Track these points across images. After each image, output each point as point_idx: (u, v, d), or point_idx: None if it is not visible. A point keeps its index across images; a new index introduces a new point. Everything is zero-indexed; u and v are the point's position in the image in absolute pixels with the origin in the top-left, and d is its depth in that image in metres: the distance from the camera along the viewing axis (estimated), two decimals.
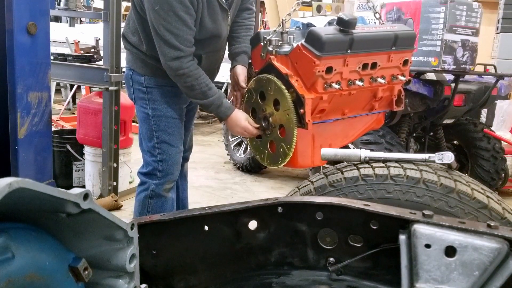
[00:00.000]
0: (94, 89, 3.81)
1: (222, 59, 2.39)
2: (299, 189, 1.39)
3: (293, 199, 1.15)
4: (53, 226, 0.73)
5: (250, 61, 2.32)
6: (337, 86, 2.02)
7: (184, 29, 1.97)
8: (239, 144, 4.90)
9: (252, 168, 4.71)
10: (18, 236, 0.66)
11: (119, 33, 3.29)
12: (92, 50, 4.99)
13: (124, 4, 7.83)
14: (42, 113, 2.52)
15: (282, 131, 2.12)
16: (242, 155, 4.79)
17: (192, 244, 1.16)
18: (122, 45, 2.57)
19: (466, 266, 0.89)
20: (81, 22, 8.23)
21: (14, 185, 0.56)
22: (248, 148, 4.59)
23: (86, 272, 0.75)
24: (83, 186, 3.79)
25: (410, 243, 0.95)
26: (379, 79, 2.16)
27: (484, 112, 4.96)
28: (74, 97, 7.47)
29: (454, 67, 3.24)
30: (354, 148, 2.43)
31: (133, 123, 3.86)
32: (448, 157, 1.23)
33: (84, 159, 3.79)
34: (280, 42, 2.10)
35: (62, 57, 3.77)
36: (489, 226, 0.93)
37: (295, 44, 2.03)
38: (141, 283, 0.86)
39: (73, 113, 6.73)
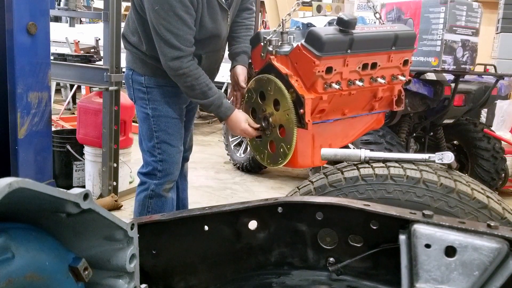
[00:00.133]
0: (94, 89, 3.81)
1: (222, 59, 2.39)
2: (299, 189, 1.39)
3: (293, 199, 1.15)
4: (53, 226, 0.73)
5: (250, 61, 2.32)
6: (337, 86, 2.02)
7: (184, 29, 1.97)
8: (239, 144, 4.90)
9: (252, 168, 4.71)
10: (18, 236, 0.66)
11: (119, 33, 3.29)
12: (92, 50, 4.99)
13: (124, 4, 7.83)
14: (42, 113, 2.52)
15: (282, 131, 2.12)
16: (242, 155, 4.79)
17: (192, 244, 1.16)
18: (122, 45, 2.57)
19: (466, 266, 0.89)
20: (81, 22, 8.23)
21: (14, 185, 0.56)
22: (248, 148, 4.59)
23: (86, 272, 0.75)
24: (83, 186, 3.79)
25: (410, 243, 0.95)
26: (379, 79, 2.16)
27: (484, 112, 4.96)
28: (74, 97, 7.47)
29: (454, 67, 3.24)
30: (354, 148, 2.43)
31: (133, 123, 3.86)
32: (448, 157, 1.23)
33: (84, 159, 3.79)
34: (280, 42, 2.10)
35: (62, 57, 3.78)
36: (489, 226, 0.93)
37: (295, 44, 2.03)
38: (141, 283, 0.86)
39: (73, 113, 6.73)
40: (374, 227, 1.08)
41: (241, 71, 2.26)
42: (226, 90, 5.80)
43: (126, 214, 3.49)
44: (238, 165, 4.82)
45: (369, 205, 1.05)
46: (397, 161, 1.30)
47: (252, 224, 1.17)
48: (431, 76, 3.50)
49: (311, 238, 1.16)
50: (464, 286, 0.88)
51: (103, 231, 0.78)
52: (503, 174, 4.10)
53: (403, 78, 2.25)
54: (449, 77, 3.53)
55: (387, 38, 2.12)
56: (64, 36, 6.08)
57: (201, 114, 7.45)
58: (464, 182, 1.23)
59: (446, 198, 1.19)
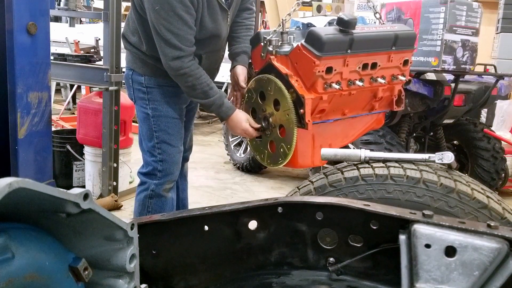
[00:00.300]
0: (94, 89, 3.81)
1: (222, 59, 2.39)
2: (299, 189, 1.39)
3: (293, 199, 1.15)
4: (53, 226, 0.73)
5: (250, 61, 2.32)
6: (337, 86, 2.02)
7: (184, 29, 1.97)
8: (239, 144, 4.90)
9: (252, 168, 4.71)
10: (18, 236, 0.66)
11: (119, 33, 3.29)
12: (92, 50, 4.99)
13: (124, 4, 7.83)
14: (42, 113, 2.52)
15: (282, 131, 2.12)
16: (242, 155, 4.79)
17: (192, 244, 1.16)
18: (122, 45, 2.57)
19: (466, 266, 0.89)
20: (81, 22, 8.23)
21: (14, 185, 0.56)
22: (248, 148, 4.59)
23: (86, 272, 0.75)
24: (83, 186, 3.79)
25: (410, 243, 0.95)
26: (379, 79, 2.16)
27: (484, 112, 4.96)
28: (74, 97, 7.47)
29: (454, 67, 3.24)
30: (354, 148, 2.43)
31: (133, 123, 3.86)
32: (448, 157, 1.23)
33: (84, 159, 3.79)
34: (280, 42, 2.10)
35: (62, 57, 3.77)
36: (489, 226, 0.93)
37: (295, 44, 2.03)
38: (141, 283, 0.86)
39: (73, 113, 6.73)
40: (374, 227, 1.08)
41: (241, 71, 2.26)
42: (226, 90, 5.79)
43: (126, 214, 3.49)
44: (238, 165, 4.82)
45: (369, 205, 1.05)
46: (397, 161, 1.30)
47: (252, 224, 1.17)
48: (431, 76, 3.50)
49: (311, 238, 1.16)
50: (464, 286, 0.88)
51: (103, 231, 0.78)
52: (503, 174, 4.09)
53: (403, 78, 2.25)
54: (449, 77, 3.53)
55: (387, 38, 2.12)
56: (64, 36, 6.08)
57: (201, 114, 7.45)
58: (464, 182, 1.23)
59: (446, 198, 1.19)
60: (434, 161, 1.25)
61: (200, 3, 2.01)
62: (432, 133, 3.99)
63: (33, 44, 2.40)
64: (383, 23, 2.46)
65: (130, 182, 4.04)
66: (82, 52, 5.09)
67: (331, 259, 1.16)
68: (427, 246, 0.93)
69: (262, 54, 2.13)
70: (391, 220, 1.02)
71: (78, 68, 3.64)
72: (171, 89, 2.23)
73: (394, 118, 3.37)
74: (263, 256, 1.19)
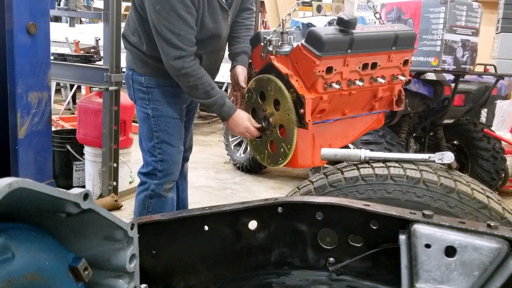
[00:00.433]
0: (94, 89, 3.81)
1: (222, 59, 2.39)
2: (299, 189, 1.39)
3: (293, 199, 1.15)
4: (53, 226, 0.73)
5: (250, 61, 2.32)
6: (337, 86, 2.02)
7: (185, 29, 1.97)
8: (239, 144, 4.90)
9: (252, 168, 4.71)
10: (18, 236, 0.66)
11: (119, 33, 3.29)
12: (92, 50, 4.99)
13: (124, 4, 7.83)
14: (42, 113, 2.52)
15: (282, 131, 2.12)
16: (242, 155, 4.79)
17: (192, 244, 1.16)
18: (122, 45, 2.57)
19: (466, 266, 0.89)
20: (81, 22, 8.23)
21: (14, 185, 0.56)
22: (248, 148, 4.59)
23: (86, 272, 0.75)
24: (83, 186, 3.79)
25: (410, 243, 0.95)
26: (379, 79, 2.16)
27: (484, 112, 4.96)
28: (74, 97, 7.47)
29: (454, 67, 3.24)
30: (354, 148, 2.43)
31: (133, 123, 3.86)
32: (448, 157, 1.23)
33: (84, 159, 3.80)
34: (280, 42, 2.10)
35: (62, 57, 3.77)
36: (489, 226, 0.93)
37: (295, 44, 2.03)
38: (141, 283, 0.86)
39: (73, 113, 6.73)
40: (374, 227, 1.08)
41: (241, 71, 2.26)
42: (226, 90, 5.80)
43: (126, 214, 3.49)
44: (238, 165, 4.82)
45: (369, 205, 1.05)
46: (397, 161, 1.30)
47: (252, 224, 1.17)
48: (431, 76, 3.50)
49: (311, 238, 1.16)
50: (464, 286, 0.88)
51: (103, 231, 0.78)
52: (503, 174, 4.10)
53: (403, 78, 2.25)
54: (449, 77, 3.53)
55: (387, 38, 2.12)
56: (64, 36, 6.08)
57: (201, 114, 7.45)
58: (464, 182, 1.23)
59: (446, 198, 1.19)
60: (434, 161, 1.25)
61: (201, 3, 2.01)
62: (432, 133, 3.99)
63: (33, 44, 2.40)
64: (383, 23, 2.46)
65: (130, 182, 4.04)
66: (82, 52, 5.09)
67: (331, 259, 1.16)
68: (427, 246, 0.93)
69: (262, 54, 2.14)
70: (391, 220, 1.02)
71: (78, 68, 3.64)
72: (171, 89, 2.23)
73: (394, 118, 3.37)
74: (263, 256, 1.19)
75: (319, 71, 1.94)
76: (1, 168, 2.45)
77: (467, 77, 3.70)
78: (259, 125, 2.18)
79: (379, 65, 2.13)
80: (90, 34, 6.19)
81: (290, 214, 1.14)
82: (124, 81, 2.42)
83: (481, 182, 1.51)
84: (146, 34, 2.12)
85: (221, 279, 1.19)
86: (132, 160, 4.03)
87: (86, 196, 0.69)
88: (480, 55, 3.45)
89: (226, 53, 2.38)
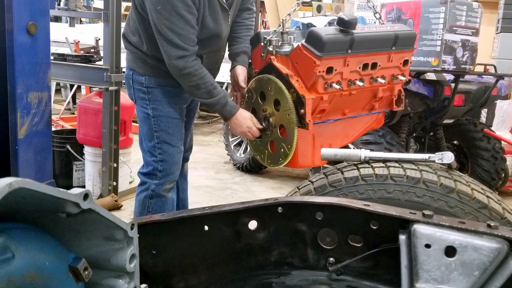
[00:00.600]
0: (94, 89, 3.81)
1: (223, 59, 2.39)
2: (299, 189, 1.39)
3: (293, 199, 1.15)
4: (53, 226, 0.73)
5: (250, 61, 2.32)
6: (337, 86, 2.02)
7: (187, 28, 1.97)
8: (239, 144, 4.90)
9: (252, 168, 4.71)
10: (18, 236, 0.66)
11: (119, 33, 3.29)
12: (92, 50, 4.99)
13: (124, 4, 7.83)
14: (42, 113, 2.52)
15: (282, 131, 2.12)
16: (242, 155, 4.79)
17: (192, 244, 1.16)
18: (122, 45, 2.56)
19: (466, 266, 0.89)
20: (81, 22, 8.23)
21: (14, 185, 0.56)
22: (248, 148, 4.59)
23: (86, 272, 0.75)
24: (83, 186, 3.79)
25: (410, 243, 0.95)
26: (379, 79, 2.16)
27: (484, 112, 4.96)
28: (74, 97, 7.46)
29: (454, 67, 3.24)
30: (354, 148, 2.43)
31: (133, 123, 3.86)
32: (448, 157, 1.23)
33: (84, 159, 3.80)
34: (280, 42, 2.10)
35: (62, 57, 3.78)
36: (489, 226, 0.93)
37: (295, 44, 2.03)
38: (141, 283, 0.86)
39: (73, 113, 6.73)
40: (374, 227, 1.08)
41: (241, 71, 2.26)
42: (226, 90, 5.79)
43: (126, 214, 3.49)
44: (238, 165, 4.82)
45: (369, 205, 1.05)
46: (397, 161, 1.30)
47: (252, 224, 1.17)
48: (431, 76, 3.50)
49: (311, 238, 1.16)
50: (464, 286, 0.88)
51: (103, 231, 0.78)
52: (503, 174, 4.09)
53: (403, 78, 2.25)
54: (449, 77, 3.53)
55: (387, 38, 2.12)
56: (64, 36, 6.08)
57: (201, 114, 7.45)
58: (464, 182, 1.23)
59: (446, 198, 1.19)
60: (434, 161, 1.25)
61: (202, 2, 2.01)
62: (432, 133, 3.99)
63: (33, 44, 2.40)
64: (383, 23, 2.46)
65: (130, 182, 4.04)
66: (82, 52, 5.09)
67: (331, 259, 1.16)
68: (427, 246, 0.93)
69: (262, 54, 2.13)
70: (391, 220, 1.02)
71: (78, 68, 3.64)
72: (171, 89, 2.23)
73: (393, 118, 3.37)
74: (263, 256, 1.19)
75: (319, 71, 1.94)
76: (1, 168, 2.45)
77: (467, 77, 3.70)
78: (261, 126, 2.18)
79: (379, 65, 2.13)
80: (90, 34, 6.19)
81: (290, 214, 1.14)
82: (124, 81, 2.42)
83: (481, 182, 1.51)
84: (147, 34, 2.12)
85: (221, 279, 1.19)
86: (132, 160, 4.03)
87: (86, 196, 0.69)
88: (480, 55, 3.44)
89: (226, 53, 2.38)
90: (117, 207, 3.56)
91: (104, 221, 0.75)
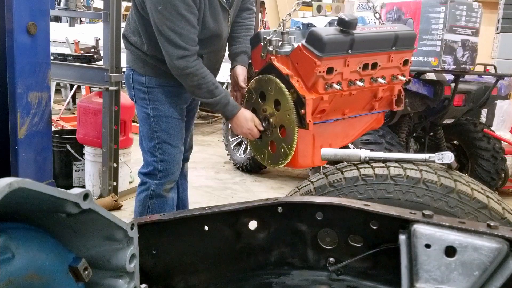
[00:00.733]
0: (94, 89, 3.81)
1: (223, 59, 2.39)
2: (299, 189, 1.39)
3: (293, 199, 1.15)
4: (53, 226, 0.73)
5: (250, 61, 2.32)
6: (337, 87, 2.02)
7: (188, 28, 1.97)
8: (239, 144, 4.90)
9: (252, 168, 4.71)
10: (18, 236, 0.66)
11: (119, 33, 3.29)
12: (92, 50, 4.99)
13: (124, 4, 7.83)
14: (42, 113, 2.52)
15: (282, 131, 2.12)
16: (242, 155, 4.79)
17: (192, 244, 1.16)
18: (122, 45, 2.56)
19: (466, 266, 0.89)
20: (81, 22, 8.23)
21: (14, 185, 0.56)
22: (248, 148, 4.59)
23: (86, 272, 0.75)
24: (83, 186, 3.79)
25: (410, 243, 0.95)
26: (380, 79, 2.16)
27: (484, 112, 4.96)
28: (74, 97, 7.46)
29: (454, 67, 3.24)
30: (354, 148, 2.43)
31: (133, 123, 3.86)
32: (448, 157, 1.23)
33: (84, 159, 3.80)
34: (280, 42, 2.10)
35: (62, 57, 3.78)
36: (489, 226, 0.93)
37: (295, 45, 2.03)
38: (141, 283, 0.86)
39: (73, 113, 6.73)
40: (374, 227, 1.08)
41: (241, 71, 2.26)
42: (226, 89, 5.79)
43: (126, 214, 3.49)
44: (238, 165, 4.82)
45: (369, 205, 1.05)
46: (397, 161, 1.30)
47: (252, 224, 1.17)
48: (431, 76, 3.50)
49: (311, 238, 1.16)
50: (464, 286, 0.88)
51: (103, 231, 0.78)
52: (503, 174, 4.09)
53: (403, 78, 2.25)
54: (449, 77, 3.53)
55: (387, 38, 2.12)
56: (64, 36, 6.08)
57: (201, 114, 7.44)
58: (464, 182, 1.23)
59: (446, 198, 1.19)
60: (434, 161, 1.25)
61: (202, 2, 2.01)
62: (432, 133, 3.99)
63: (33, 44, 2.40)
64: (383, 23, 2.46)
65: (130, 182, 4.04)
66: (82, 52, 5.09)
67: (331, 259, 1.16)
68: (427, 246, 0.93)
69: (262, 54, 2.13)
70: (391, 220, 1.02)
71: (78, 68, 3.64)
72: (172, 89, 2.23)
73: (393, 118, 3.37)
74: (263, 256, 1.19)
75: (319, 72, 1.94)
76: (1, 168, 2.45)
77: (467, 77, 3.70)
78: (262, 128, 2.18)
79: (379, 66, 2.13)
80: (90, 34, 6.19)
81: (290, 214, 1.14)
82: (124, 81, 2.42)
83: (481, 182, 1.51)
84: (147, 34, 2.12)
85: (221, 279, 1.19)
86: (132, 160, 4.03)
87: (86, 196, 0.69)
88: (480, 55, 3.44)
89: (226, 53, 2.38)
90: (117, 207, 3.56)
91: (104, 221, 0.75)
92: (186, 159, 2.60)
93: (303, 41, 1.98)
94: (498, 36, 5.11)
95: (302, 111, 1.98)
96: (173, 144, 2.27)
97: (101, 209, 0.73)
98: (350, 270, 1.15)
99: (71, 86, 7.38)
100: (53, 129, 3.87)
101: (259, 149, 2.28)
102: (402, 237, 0.99)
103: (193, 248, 1.16)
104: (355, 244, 1.13)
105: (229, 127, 4.77)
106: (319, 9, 6.79)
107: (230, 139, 4.89)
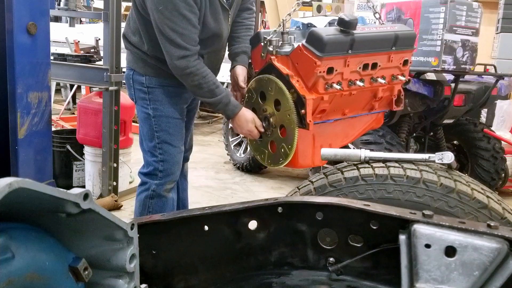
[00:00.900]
0: (94, 89, 3.81)
1: (223, 59, 2.39)
2: (299, 189, 1.39)
3: (293, 199, 1.15)
4: (53, 226, 0.73)
5: (250, 61, 2.32)
6: (338, 87, 2.02)
7: (189, 28, 1.97)
8: (239, 144, 4.90)
9: (252, 168, 4.71)
10: (18, 236, 0.66)
11: (119, 33, 3.29)
12: (92, 50, 4.99)
13: (124, 4, 7.83)
14: (42, 113, 2.52)
15: (282, 131, 2.12)
16: (242, 155, 4.79)
17: (192, 244, 1.16)
18: (122, 45, 2.56)
19: (466, 266, 0.89)
20: (81, 22, 8.23)
21: (14, 185, 0.56)
22: (248, 148, 4.59)
23: (86, 272, 0.75)
24: (83, 186, 3.79)
25: (410, 243, 0.95)
26: (380, 79, 2.16)
27: (484, 112, 4.96)
28: (74, 97, 7.46)
29: (454, 67, 3.24)
30: (354, 148, 2.43)
31: (133, 123, 3.86)
32: (448, 157, 1.23)
33: (84, 159, 3.80)
34: (280, 43, 2.10)
35: (62, 57, 3.78)
36: (489, 226, 0.93)
37: (295, 45, 2.03)
38: (141, 283, 0.86)
39: (73, 113, 6.73)
40: (374, 227, 1.08)
41: (241, 71, 2.26)
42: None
43: (126, 214, 3.49)
44: (238, 165, 4.82)
45: (369, 205, 1.05)
46: (397, 161, 1.30)
47: (252, 224, 1.17)
48: (431, 76, 3.50)
49: (311, 238, 1.16)
50: (464, 286, 0.88)
51: (103, 231, 0.78)
52: (503, 174, 4.09)
53: (403, 78, 2.25)
54: (449, 77, 3.53)
55: (387, 38, 2.12)
56: (64, 36, 6.07)
57: (201, 114, 7.44)
58: (464, 182, 1.23)
59: (446, 198, 1.19)
60: (434, 161, 1.25)
61: (203, 2, 2.01)
62: (432, 133, 3.99)
63: (33, 44, 2.40)
64: (383, 23, 2.46)
65: (130, 182, 4.04)
66: (82, 52, 5.09)
67: (331, 259, 1.16)
68: (427, 246, 0.93)
69: (262, 54, 2.13)
70: (391, 220, 1.02)
71: (78, 68, 3.64)
72: (172, 89, 2.23)
73: (393, 118, 3.37)
74: (263, 256, 1.19)
75: (320, 72, 1.94)
76: (1, 168, 2.45)
77: (467, 77, 3.70)
78: (263, 130, 2.18)
79: (379, 66, 2.13)
80: (90, 34, 6.19)
81: (290, 214, 1.14)
82: (124, 81, 2.42)
83: (481, 182, 1.51)
84: (147, 34, 2.12)
85: (221, 279, 1.19)
86: (132, 160, 4.03)
87: (86, 196, 0.69)
88: (480, 55, 3.44)
89: (226, 53, 2.38)
90: (117, 207, 3.56)
91: (104, 221, 0.75)
92: (186, 159, 2.60)
93: (303, 41, 1.98)
94: (498, 36, 5.11)
95: (302, 111, 1.98)
96: (173, 144, 2.27)
97: (101, 209, 0.73)
98: (350, 270, 1.15)
99: (71, 86, 7.38)
100: (53, 129, 3.88)
101: (259, 149, 2.28)
102: (402, 237, 0.99)
103: (193, 248, 1.16)
104: (355, 244, 1.13)
105: (229, 127, 4.78)
106: (319, 9, 6.79)
107: (230, 139, 4.89)
